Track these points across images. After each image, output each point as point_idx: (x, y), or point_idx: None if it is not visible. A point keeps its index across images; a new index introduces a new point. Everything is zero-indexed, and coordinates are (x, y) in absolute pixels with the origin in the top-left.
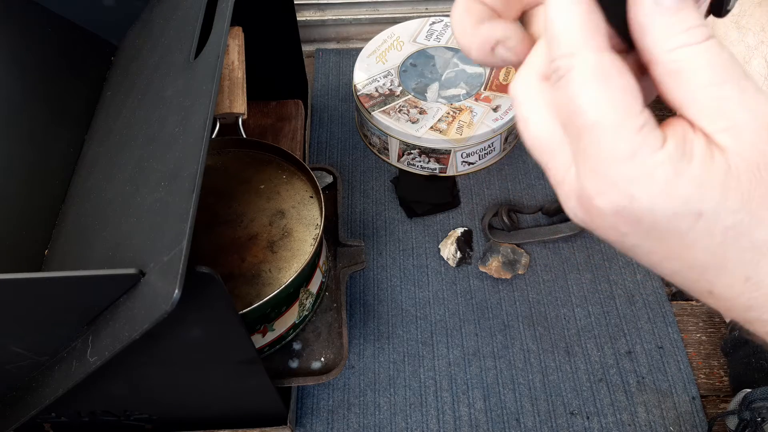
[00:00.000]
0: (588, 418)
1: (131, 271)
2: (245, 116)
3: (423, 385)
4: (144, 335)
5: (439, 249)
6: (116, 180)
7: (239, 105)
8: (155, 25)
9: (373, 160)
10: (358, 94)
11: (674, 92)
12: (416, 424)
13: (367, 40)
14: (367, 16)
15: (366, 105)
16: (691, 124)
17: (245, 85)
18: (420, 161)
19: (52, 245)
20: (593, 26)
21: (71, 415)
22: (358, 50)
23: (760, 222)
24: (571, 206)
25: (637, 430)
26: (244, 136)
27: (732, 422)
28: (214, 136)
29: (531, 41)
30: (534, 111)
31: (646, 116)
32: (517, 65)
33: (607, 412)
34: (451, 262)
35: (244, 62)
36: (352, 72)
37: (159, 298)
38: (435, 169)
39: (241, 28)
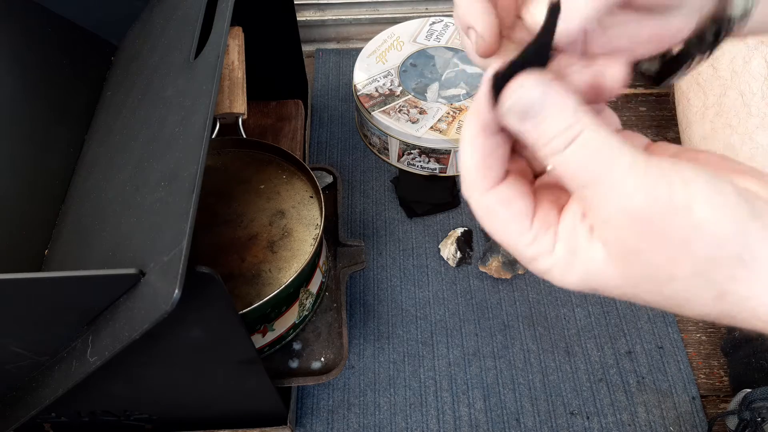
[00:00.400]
0: (588, 418)
1: (131, 271)
2: (245, 116)
3: (423, 385)
4: (144, 335)
5: (439, 249)
6: (116, 180)
7: (239, 105)
8: (155, 25)
9: (373, 160)
10: (358, 94)
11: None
12: (416, 424)
13: (367, 40)
14: (367, 16)
15: (366, 105)
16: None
17: (245, 85)
18: (420, 161)
19: (52, 245)
20: (485, 167)
21: (71, 415)
22: (358, 50)
23: (640, 293)
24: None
25: (637, 430)
26: (244, 136)
27: (732, 422)
28: (214, 136)
29: (498, 41)
30: (480, 216)
31: (535, 229)
32: (482, 55)
33: (607, 412)
34: (451, 262)
35: (244, 62)
36: (352, 72)
37: (159, 298)
38: (435, 169)
39: (241, 28)
